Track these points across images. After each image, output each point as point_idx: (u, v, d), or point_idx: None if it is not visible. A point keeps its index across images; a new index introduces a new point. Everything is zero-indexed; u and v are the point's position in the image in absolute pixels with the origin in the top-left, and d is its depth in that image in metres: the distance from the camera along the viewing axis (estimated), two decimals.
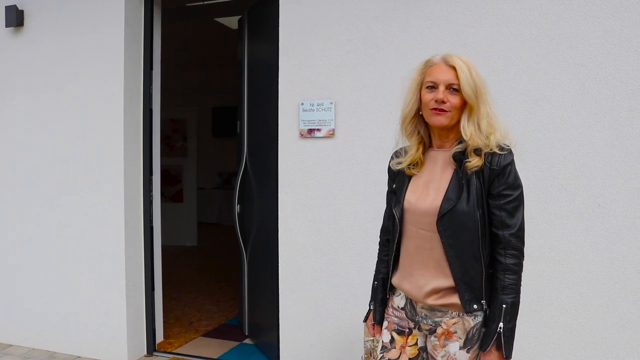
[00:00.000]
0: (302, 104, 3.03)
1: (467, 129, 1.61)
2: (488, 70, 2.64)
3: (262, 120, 3.42)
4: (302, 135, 3.05)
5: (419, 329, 1.73)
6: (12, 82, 3.71)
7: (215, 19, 5.73)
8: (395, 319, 1.78)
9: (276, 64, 3.11)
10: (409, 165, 1.73)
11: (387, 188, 1.88)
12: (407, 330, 1.75)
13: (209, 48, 7.54)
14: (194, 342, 3.81)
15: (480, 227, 1.59)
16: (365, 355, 2.00)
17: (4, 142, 3.77)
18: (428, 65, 1.68)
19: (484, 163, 1.59)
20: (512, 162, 1.60)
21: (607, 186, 2.50)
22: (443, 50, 2.57)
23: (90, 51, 3.47)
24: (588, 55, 2.51)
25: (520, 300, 1.61)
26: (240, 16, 3.88)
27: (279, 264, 3.15)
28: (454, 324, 1.63)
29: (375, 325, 1.88)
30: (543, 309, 2.61)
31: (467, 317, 1.62)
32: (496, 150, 1.59)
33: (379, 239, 1.94)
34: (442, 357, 1.65)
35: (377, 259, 1.92)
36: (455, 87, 1.61)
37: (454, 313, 1.63)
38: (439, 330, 1.66)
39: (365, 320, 1.95)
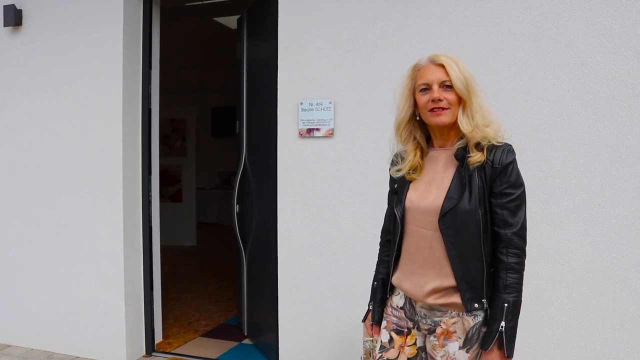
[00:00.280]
0: (301, 103, 3.02)
1: (464, 124, 1.61)
2: (488, 70, 2.64)
3: (261, 120, 3.41)
4: (301, 134, 3.04)
5: (418, 329, 1.72)
6: (10, 82, 3.71)
7: (214, 19, 5.73)
8: (394, 318, 1.77)
9: (275, 63, 3.10)
10: (409, 171, 1.74)
11: (387, 188, 1.89)
12: (406, 330, 1.74)
13: (208, 48, 7.54)
14: (193, 342, 3.80)
15: (482, 226, 1.59)
16: (365, 356, 1.99)
17: (4, 142, 3.76)
18: (417, 69, 1.69)
19: (486, 160, 1.59)
20: (514, 161, 1.61)
21: (607, 186, 2.49)
22: (443, 49, 2.57)
23: (89, 51, 3.47)
24: (588, 54, 2.51)
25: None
26: (239, 16, 3.88)
27: (278, 264, 3.15)
28: (453, 323, 1.63)
29: (374, 325, 1.87)
30: (543, 309, 2.60)
31: (466, 317, 1.61)
32: (494, 142, 1.60)
33: (379, 240, 1.94)
34: (441, 357, 1.64)
35: (377, 259, 1.92)
36: (447, 83, 1.62)
37: (453, 313, 1.63)
38: (439, 330, 1.65)
39: (364, 320, 1.94)
